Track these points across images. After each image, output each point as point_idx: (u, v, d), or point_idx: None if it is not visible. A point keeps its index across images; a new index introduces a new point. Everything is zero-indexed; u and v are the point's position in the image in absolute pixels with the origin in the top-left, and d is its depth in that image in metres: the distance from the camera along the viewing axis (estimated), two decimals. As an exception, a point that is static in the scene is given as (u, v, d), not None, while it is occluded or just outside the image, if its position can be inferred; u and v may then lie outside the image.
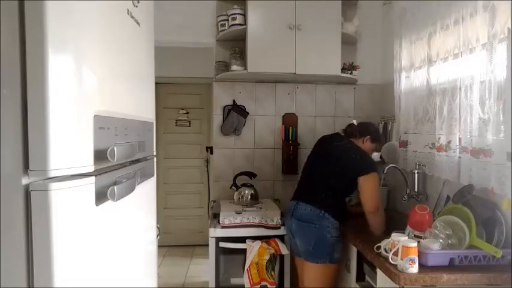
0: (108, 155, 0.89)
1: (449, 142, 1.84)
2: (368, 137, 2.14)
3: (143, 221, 1.32)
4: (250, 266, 2.17)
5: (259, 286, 2.20)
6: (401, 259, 1.39)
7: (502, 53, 1.50)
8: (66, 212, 0.77)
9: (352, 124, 2.22)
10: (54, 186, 0.74)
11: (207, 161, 4.38)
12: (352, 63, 2.76)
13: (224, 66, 2.71)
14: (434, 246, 1.45)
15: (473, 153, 1.64)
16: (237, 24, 2.55)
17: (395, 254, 1.42)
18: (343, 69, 2.68)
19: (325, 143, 2.20)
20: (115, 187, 0.91)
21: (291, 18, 2.48)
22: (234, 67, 2.59)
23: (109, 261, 0.98)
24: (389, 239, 1.50)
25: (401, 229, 1.68)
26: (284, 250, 2.22)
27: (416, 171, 2.17)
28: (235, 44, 2.69)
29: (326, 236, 1.96)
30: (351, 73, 2.73)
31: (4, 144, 0.73)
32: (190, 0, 2.72)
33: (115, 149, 0.89)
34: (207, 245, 2.28)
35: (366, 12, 2.86)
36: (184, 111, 4.45)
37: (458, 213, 1.56)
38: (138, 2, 1.19)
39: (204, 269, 3.66)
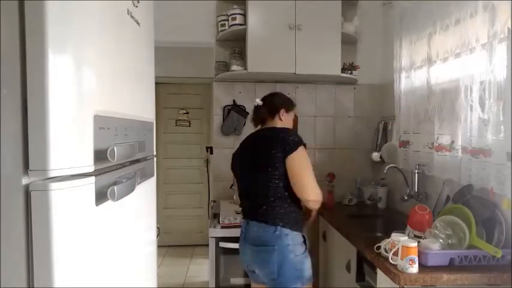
0: (108, 155, 0.89)
1: (450, 142, 1.84)
2: (282, 109, 1.86)
3: (143, 221, 1.32)
4: None
5: None
6: (401, 259, 1.39)
7: (502, 53, 1.50)
8: (66, 212, 0.77)
9: (257, 106, 1.91)
10: (54, 186, 0.74)
11: (207, 161, 4.38)
12: (352, 63, 2.76)
13: (224, 66, 2.72)
14: (434, 246, 1.45)
15: (473, 153, 1.64)
16: (237, 24, 2.55)
17: (395, 254, 1.42)
18: (343, 69, 2.68)
19: (243, 145, 1.93)
20: (115, 187, 0.91)
21: (291, 18, 2.48)
22: (234, 67, 2.59)
23: (109, 261, 0.98)
24: (390, 239, 1.50)
25: (401, 229, 1.68)
26: None
27: (416, 171, 2.17)
28: (235, 44, 2.69)
29: (289, 257, 1.64)
30: (351, 73, 2.73)
31: (4, 144, 0.73)
32: (190, 0, 2.72)
33: (115, 149, 0.89)
34: (207, 245, 2.28)
35: (366, 12, 2.86)
36: (184, 111, 4.46)
37: (458, 213, 1.56)
38: (138, 2, 1.19)
39: (204, 269, 3.66)
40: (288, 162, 1.66)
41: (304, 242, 1.74)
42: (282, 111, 1.87)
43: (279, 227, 1.65)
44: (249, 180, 1.80)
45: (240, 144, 1.98)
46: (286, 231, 1.66)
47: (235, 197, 2.60)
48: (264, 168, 1.70)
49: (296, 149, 1.67)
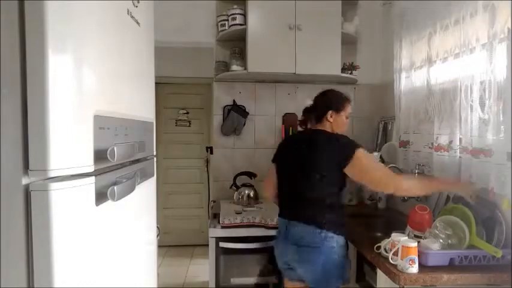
0: (108, 155, 0.89)
1: (449, 142, 1.84)
2: (330, 111, 1.80)
3: (143, 221, 1.32)
4: None
5: None
6: (401, 259, 1.39)
7: (502, 53, 1.50)
8: (66, 212, 0.77)
9: (307, 108, 1.88)
10: (54, 186, 0.74)
11: (207, 161, 4.38)
12: (352, 63, 2.76)
13: (224, 66, 2.71)
14: (434, 246, 1.45)
15: (473, 153, 1.64)
16: (237, 24, 2.55)
17: (396, 254, 1.42)
18: (343, 69, 2.68)
19: (293, 145, 1.87)
20: (115, 187, 0.91)
21: (291, 18, 2.48)
22: (234, 67, 2.59)
23: (109, 261, 0.98)
24: (390, 239, 1.50)
25: (401, 229, 1.68)
26: None
27: (416, 171, 2.16)
28: (235, 44, 2.69)
29: (334, 259, 1.66)
30: (351, 73, 2.73)
31: (4, 144, 0.73)
32: (190, 0, 2.72)
33: (115, 149, 0.89)
34: (207, 245, 2.28)
35: (366, 12, 2.86)
36: (184, 111, 4.46)
37: (458, 213, 1.56)
38: (138, 2, 1.19)
39: (204, 269, 3.66)
40: (348, 171, 1.65)
41: (346, 244, 1.74)
42: (330, 113, 1.80)
43: (325, 230, 1.65)
44: (297, 181, 1.76)
45: (290, 138, 1.99)
46: (333, 234, 1.66)
47: (236, 196, 2.60)
48: (315, 173, 1.69)
49: (352, 156, 1.63)
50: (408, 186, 1.68)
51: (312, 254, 1.66)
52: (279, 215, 1.85)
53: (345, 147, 1.67)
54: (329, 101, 1.84)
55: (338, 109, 1.82)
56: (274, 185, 1.90)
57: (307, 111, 1.89)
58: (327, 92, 1.90)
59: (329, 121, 1.81)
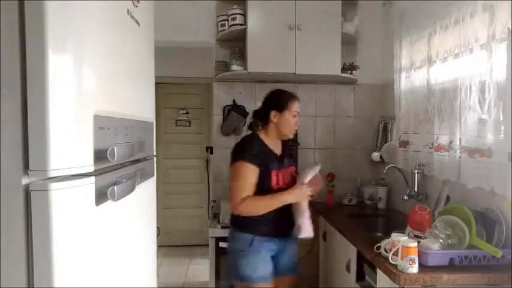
0: (108, 155, 0.89)
1: (449, 142, 1.84)
2: (273, 111, 1.80)
3: (143, 221, 1.32)
4: None
5: None
6: (401, 259, 1.39)
7: (501, 53, 1.50)
8: (66, 212, 0.77)
9: (255, 111, 1.96)
10: (54, 186, 0.74)
11: (207, 161, 4.38)
12: (352, 63, 2.76)
13: (224, 66, 2.72)
14: (434, 246, 1.45)
15: (474, 153, 1.64)
16: (237, 24, 2.55)
17: (396, 254, 1.42)
18: (343, 69, 2.68)
19: None
20: (115, 187, 0.91)
21: (291, 18, 2.48)
22: (234, 67, 2.59)
23: (109, 261, 0.98)
24: (390, 239, 1.50)
25: (401, 229, 1.68)
26: None
27: (416, 171, 2.17)
28: (235, 44, 2.69)
29: (236, 257, 1.80)
30: (351, 73, 2.73)
31: (4, 144, 0.73)
32: (190, 0, 2.72)
33: (115, 149, 0.89)
34: (207, 245, 2.28)
35: (366, 12, 2.86)
36: (184, 111, 4.45)
37: (458, 213, 1.56)
38: (138, 2, 1.19)
39: (204, 269, 3.66)
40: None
41: (252, 241, 1.76)
42: (273, 113, 1.81)
43: (232, 229, 1.84)
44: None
45: None
46: (238, 233, 1.80)
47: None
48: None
49: (233, 162, 1.75)
50: (245, 209, 1.72)
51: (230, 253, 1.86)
52: None
53: (234, 152, 1.79)
54: (271, 101, 1.84)
55: (281, 108, 1.80)
56: None
57: (255, 113, 1.92)
58: (271, 92, 1.90)
59: (273, 122, 1.81)
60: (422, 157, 2.12)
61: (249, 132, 1.98)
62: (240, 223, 1.80)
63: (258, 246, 1.76)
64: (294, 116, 1.83)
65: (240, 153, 1.74)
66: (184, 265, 3.92)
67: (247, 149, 1.75)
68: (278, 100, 1.84)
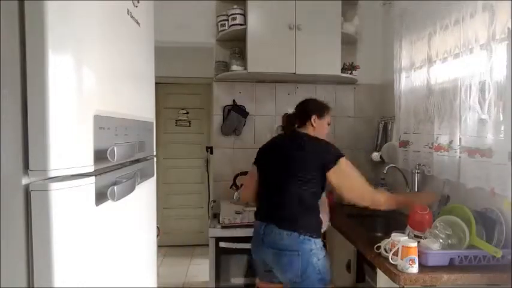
0: (108, 155, 0.89)
1: (449, 142, 1.84)
2: (314, 115, 1.83)
3: (143, 221, 1.32)
4: None
5: None
6: (401, 259, 1.39)
7: (502, 53, 1.50)
8: (66, 212, 0.77)
9: (289, 115, 1.91)
10: (54, 186, 0.74)
11: (207, 161, 4.38)
12: (352, 63, 2.76)
13: (224, 66, 2.71)
14: (434, 246, 1.45)
15: (473, 154, 1.64)
16: (237, 24, 2.55)
17: (396, 254, 1.42)
18: (343, 69, 2.68)
19: (274, 144, 1.90)
20: (115, 187, 0.91)
21: (291, 18, 2.48)
22: (234, 67, 2.59)
23: (109, 261, 0.98)
24: (389, 239, 1.50)
25: (401, 229, 1.68)
26: None
27: (416, 171, 2.17)
28: (235, 44, 2.69)
29: (313, 262, 1.65)
30: (351, 73, 2.73)
31: (4, 144, 0.73)
32: (190, 0, 2.72)
33: (115, 149, 0.89)
34: (207, 245, 2.28)
35: (366, 12, 2.86)
36: (184, 111, 4.45)
37: (458, 213, 1.56)
38: (138, 2, 1.19)
39: (204, 269, 3.66)
40: (331, 175, 1.67)
41: (324, 245, 1.75)
42: (314, 117, 1.83)
43: (302, 234, 1.65)
44: (276, 182, 1.76)
45: (271, 141, 1.94)
46: (310, 237, 1.67)
47: (235, 196, 2.60)
48: (295, 177, 1.69)
49: (336, 162, 1.67)
50: (383, 203, 1.73)
51: (289, 258, 1.65)
52: (256, 217, 1.85)
53: (330, 151, 1.71)
54: (313, 106, 1.88)
55: (321, 114, 1.86)
56: (254, 187, 1.90)
57: (289, 116, 1.90)
58: (310, 99, 1.95)
59: (312, 125, 1.84)
60: (422, 157, 2.12)
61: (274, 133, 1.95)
62: (313, 228, 1.69)
63: (325, 249, 1.75)
64: (328, 124, 1.92)
65: (339, 149, 1.72)
66: (184, 265, 3.92)
67: (336, 148, 1.74)
68: (320, 106, 1.89)
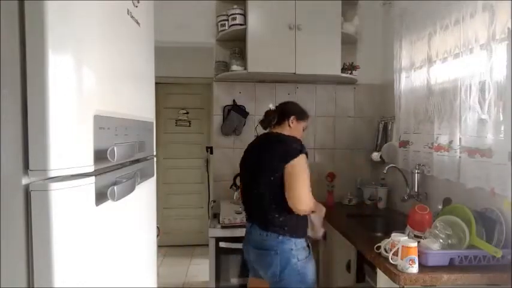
0: (108, 155, 0.89)
1: (449, 142, 1.84)
2: (292, 116, 1.85)
3: (143, 221, 1.32)
4: None
5: None
6: (401, 259, 1.39)
7: (502, 53, 1.50)
8: (66, 212, 0.77)
9: (269, 110, 1.91)
10: (54, 186, 0.74)
11: (207, 161, 4.38)
12: (352, 63, 2.76)
13: (224, 66, 2.71)
14: (434, 246, 1.45)
15: (473, 153, 1.64)
16: (237, 24, 2.55)
17: (396, 254, 1.42)
18: (343, 69, 2.68)
19: (249, 149, 1.92)
20: (115, 187, 0.91)
21: (291, 18, 2.48)
22: (234, 67, 2.59)
23: (109, 261, 0.98)
24: (390, 239, 1.50)
25: (401, 229, 1.68)
26: None
27: (416, 171, 2.17)
28: (235, 44, 2.69)
29: (292, 262, 1.65)
30: (351, 73, 2.73)
31: (4, 144, 0.73)
32: (190, 0, 2.72)
33: (115, 149, 0.89)
34: (207, 245, 2.28)
35: (366, 12, 2.86)
36: (184, 111, 4.45)
37: (458, 213, 1.56)
38: (138, 2, 1.19)
39: (204, 269, 3.66)
40: (286, 168, 1.66)
41: (308, 245, 1.74)
42: (292, 118, 1.85)
43: (281, 235, 1.67)
44: (251, 181, 1.80)
45: (250, 143, 1.96)
46: (290, 237, 1.67)
47: (235, 196, 2.60)
48: (265, 173, 1.70)
49: (296, 156, 1.66)
50: (307, 210, 1.73)
51: (269, 258, 1.67)
52: (246, 219, 1.90)
53: (293, 146, 1.70)
54: (294, 108, 1.91)
55: (300, 118, 1.88)
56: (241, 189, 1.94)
57: (269, 113, 1.90)
58: (292, 102, 1.99)
59: (289, 125, 1.85)
60: (422, 157, 2.12)
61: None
62: (293, 228, 1.69)
63: (308, 249, 1.75)
64: (304, 129, 1.93)
65: (301, 147, 1.71)
66: (184, 265, 3.92)
67: (301, 144, 1.73)
68: (300, 110, 1.91)
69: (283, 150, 1.70)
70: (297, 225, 1.72)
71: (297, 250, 1.68)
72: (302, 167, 1.67)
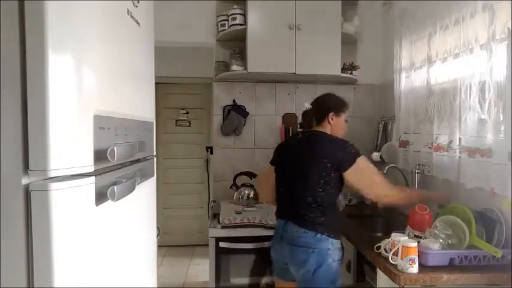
0: (108, 155, 0.89)
1: (448, 142, 1.84)
2: (331, 112, 1.79)
3: (143, 221, 1.32)
4: None
5: None
6: (401, 259, 1.39)
7: (502, 53, 1.50)
8: (66, 212, 0.77)
9: (306, 111, 1.85)
10: (54, 186, 0.74)
11: (207, 161, 4.38)
12: (352, 63, 2.76)
13: (224, 66, 2.71)
14: (434, 246, 1.45)
15: (473, 153, 1.64)
16: (237, 24, 2.55)
17: (396, 254, 1.42)
18: (343, 69, 2.68)
19: (292, 143, 1.90)
20: (115, 187, 0.91)
21: (291, 18, 2.48)
22: (234, 67, 2.59)
23: (109, 262, 0.98)
24: (390, 239, 1.50)
25: (401, 229, 1.68)
26: None
27: (416, 171, 2.17)
28: (235, 44, 2.69)
29: (328, 261, 1.64)
30: (351, 73, 2.73)
31: (4, 144, 0.73)
32: (190, 0, 2.72)
33: (115, 149, 0.89)
34: (207, 245, 2.28)
35: (366, 12, 2.86)
36: (184, 111, 4.45)
37: (458, 213, 1.56)
38: (138, 2, 1.19)
39: (204, 269, 3.66)
40: (349, 175, 1.65)
41: (342, 248, 1.73)
42: (332, 114, 1.79)
43: (320, 233, 1.65)
44: (294, 181, 1.75)
45: (287, 141, 1.94)
46: (328, 237, 1.66)
47: (235, 196, 2.60)
48: (313, 175, 1.68)
49: (354, 162, 1.65)
50: (402, 198, 1.76)
51: (305, 254, 1.65)
52: (276, 215, 1.85)
53: (346, 151, 1.67)
54: (331, 102, 1.84)
55: (339, 111, 1.81)
56: (273, 186, 1.89)
57: (306, 113, 1.86)
58: (327, 94, 1.90)
59: (330, 123, 1.80)
60: (422, 157, 2.12)
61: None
62: (332, 228, 1.67)
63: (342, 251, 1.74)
64: (346, 121, 1.87)
65: (356, 149, 1.70)
66: (184, 265, 3.92)
67: (353, 146, 1.72)
68: (338, 103, 1.84)
69: (334, 154, 1.67)
70: (335, 225, 1.71)
71: (333, 250, 1.66)
72: (365, 169, 1.69)
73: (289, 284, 1.81)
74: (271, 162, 1.94)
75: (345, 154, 1.66)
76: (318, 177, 1.66)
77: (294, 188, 1.74)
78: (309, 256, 1.64)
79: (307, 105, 1.84)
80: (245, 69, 2.54)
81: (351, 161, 1.65)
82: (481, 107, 1.62)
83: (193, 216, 4.47)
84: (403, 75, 2.34)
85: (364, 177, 1.69)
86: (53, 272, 0.75)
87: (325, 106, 1.81)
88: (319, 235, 1.65)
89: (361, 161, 1.67)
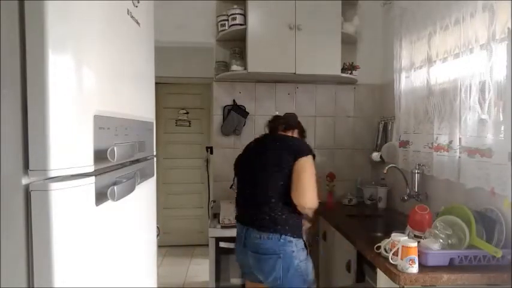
0: (108, 155, 0.88)
1: (448, 142, 1.84)
2: (296, 130, 1.96)
3: (143, 221, 1.32)
4: None
5: None
6: (401, 259, 1.39)
7: (502, 53, 1.50)
8: (66, 212, 0.77)
9: (277, 116, 2.03)
10: (54, 186, 0.74)
11: (207, 161, 4.38)
12: (352, 63, 2.76)
13: (224, 66, 2.72)
14: (434, 246, 1.45)
15: (473, 153, 1.64)
16: (237, 24, 2.55)
17: (396, 254, 1.42)
18: (343, 69, 2.68)
19: (253, 147, 1.94)
20: (115, 187, 0.91)
21: (291, 18, 2.48)
22: (234, 67, 2.59)
23: (109, 262, 0.98)
24: (390, 239, 1.50)
25: (401, 229, 1.69)
26: None
27: (416, 171, 2.17)
28: (235, 44, 2.69)
29: (294, 264, 1.66)
30: (351, 73, 2.73)
31: (4, 144, 0.73)
32: (190, 0, 2.72)
33: (115, 149, 0.89)
34: (207, 245, 2.29)
35: (366, 12, 2.86)
36: (184, 111, 4.45)
37: (458, 213, 1.56)
38: (138, 2, 1.19)
39: (204, 269, 3.66)
40: (296, 164, 1.70)
41: (305, 246, 1.76)
42: (295, 131, 1.95)
43: (283, 235, 1.66)
44: (253, 179, 1.79)
45: (246, 147, 2.00)
46: (291, 238, 1.67)
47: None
48: (271, 169, 1.72)
49: (307, 155, 1.73)
50: (314, 207, 1.76)
51: (271, 262, 1.66)
52: (236, 219, 1.87)
53: (306, 145, 1.79)
54: (298, 123, 2.00)
55: (300, 133, 1.98)
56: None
57: (276, 118, 2.00)
58: (295, 116, 2.05)
59: (292, 134, 1.94)
60: (422, 157, 2.12)
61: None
62: (294, 227, 1.70)
63: (306, 249, 1.78)
64: None
65: (311, 148, 1.79)
66: (184, 265, 3.92)
67: (310, 146, 1.82)
68: (302, 127, 2.01)
69: (295, 147, 1.76)
70: (297, 225, 1.73)
71: (297, 252, 1.69)
72: (310, 166, 1.73)
73: (259, 285, 1.82)
74: (234, 169, 2.01)
75: (304, 146, 1.78)
76: (277, 169, 1.71)
77: (252, 186, 1.78)
78: (275, 263, 1.65)
79: (278, 113, 2.04)
80: (245, 69, 2.54)
81: (307, 152, 1.73)
82: (481, 107, 1.62)
83: (193, 216, 4.48)
84: (403, 75, 2.34)
85: (306, 175, 1.69)
86: (53, 272, 0.74)
87: (294, 122, 1.98)
88: (282, 238, 1.65)
89: (310, 159, 1.73)
